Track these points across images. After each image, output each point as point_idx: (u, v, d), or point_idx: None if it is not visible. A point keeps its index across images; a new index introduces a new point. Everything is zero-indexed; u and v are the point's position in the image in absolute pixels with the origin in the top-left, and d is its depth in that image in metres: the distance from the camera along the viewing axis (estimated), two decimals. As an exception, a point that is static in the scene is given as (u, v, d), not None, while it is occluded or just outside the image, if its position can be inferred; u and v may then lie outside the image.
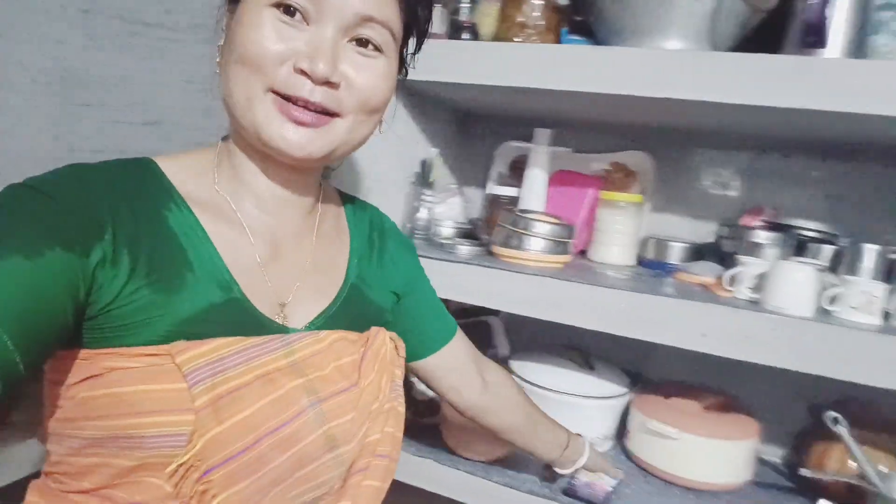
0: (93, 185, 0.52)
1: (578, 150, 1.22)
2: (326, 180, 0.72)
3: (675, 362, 1.23)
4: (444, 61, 0.92)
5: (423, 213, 1.03)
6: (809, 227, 0.99)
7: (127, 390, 0.49)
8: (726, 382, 1.11)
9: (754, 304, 0.85)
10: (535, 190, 1.12)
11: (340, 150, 0.60)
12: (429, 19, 0.65)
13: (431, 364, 0.79)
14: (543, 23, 0.90)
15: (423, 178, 1.00)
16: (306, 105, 0.55)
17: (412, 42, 0.66)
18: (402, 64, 0.66)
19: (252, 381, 0.53)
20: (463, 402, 0.83)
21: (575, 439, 0.92)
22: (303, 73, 0.54)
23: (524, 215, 0.98)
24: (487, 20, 0.98)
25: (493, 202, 1.14)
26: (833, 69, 0.75)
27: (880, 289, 0.83)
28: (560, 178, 1.19)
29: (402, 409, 0.68)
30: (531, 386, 1.07)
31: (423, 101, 1.11)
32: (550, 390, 1.06)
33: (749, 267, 0.89)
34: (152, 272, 0.51)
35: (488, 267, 0.93)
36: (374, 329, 0.67)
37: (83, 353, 0.50)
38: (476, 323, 1.26)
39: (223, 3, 0.60)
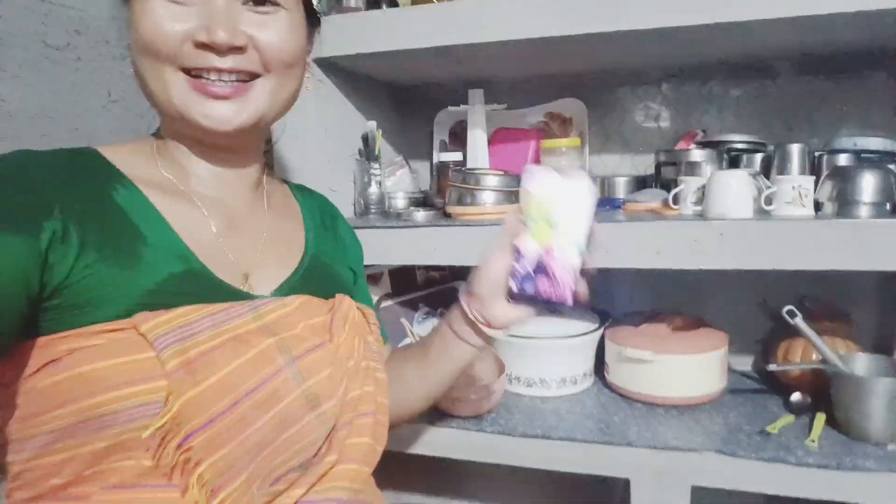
0: (36, 166, 0.51)
1: (512, 106, 1.25)
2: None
3: (638, 297, 1.28)
4: (363, 33, 0.93)
5: (374, 189, 1.04)
6: (740, 139, 1.04)
7: (91, 368, 0.47)
8: (690, 307, 1.16)
9: (700, 217, 0.90)
10: (478, 150, 1.15)
11: (269, 114, 0.61)
12: None
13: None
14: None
15: (368, 153, 1.01)
16: (219, 76, 0.56)
17: None
18: (313, 13, 0.65)
19: (223, 344, 0.52)
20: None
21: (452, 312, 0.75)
22: (204, 45, 0.55)
23: (472, 172, 1.00)
24: (404, -11, 0.99)
25: (441, 170, 1.17)
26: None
27: (809, 182, 0.89)
28: (500, 136, 1.22)
29: (382, 375, 0.68)
30: (508, 338, 1.09)
31: (356, 78, 1.12)
32: (525, 337, 1.09)
33: (689, 184, 0.94)
34: (104, 247, 0.50)
35: (446, 226, 0.95)
36: (339, 296, 0.67)
37: (39, 340, 0.48)
38: (446, 290, 1.28)
39: (119, 5, 0.59)
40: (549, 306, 0.68)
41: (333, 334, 0.63)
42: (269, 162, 1.03)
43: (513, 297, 0.67)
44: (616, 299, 1.27)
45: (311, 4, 0.64)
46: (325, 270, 0.70)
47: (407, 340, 1.17)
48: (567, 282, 0.64)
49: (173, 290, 0.53)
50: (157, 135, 0.63)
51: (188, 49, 0.55)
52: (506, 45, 0.89)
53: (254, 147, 0.66)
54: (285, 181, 0.79)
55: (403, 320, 1.18)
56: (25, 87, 1.21)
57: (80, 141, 1.22)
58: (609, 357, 1.10)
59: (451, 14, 0.89)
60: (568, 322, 1.13)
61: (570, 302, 0.64)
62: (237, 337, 0.54)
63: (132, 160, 0.59)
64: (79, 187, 0.52)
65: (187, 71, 0.56)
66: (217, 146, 0.61)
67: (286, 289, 0.63)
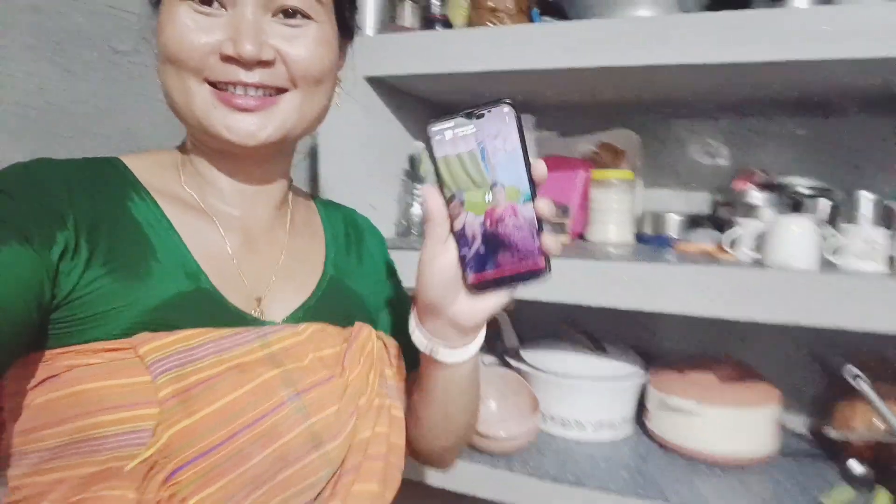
0: (51, 176, 0.50)
1: (564, 133, 1.22)
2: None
3: (684, 338, 1.22)
4: (416, 53, 0.92)
5: (416, 209, 1.02)
6: (803, 183, 0.98)
7: (87, 388, 0.45)
8: (738, 352, 1.09)
9: (757, 264, 0.85)
10: (525, 178, 1.12)
11: (295, 130, 0.58)
12: None
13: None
14: (513, 6, 0.90)
15: (414, 173, 1.00)
16: (245, 90, 0.54)
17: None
18: (346, 26, 0.62)
19: (224, 372, 0.49)
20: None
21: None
22: (230, 59, 0.53)
23: (517, 200, 0.97)
24: (459, 11, 0.98)
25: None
26: (799, 17, 0.75)
27: (882, 235, 0.82)
28: (549, 164, 1.17)
29: (398, 413, 0.62)
30: (545, 374, 1.06)
31: (407, 98, 1.11)
32: (565, 376, 1.05)
33: (747, 227, 0.89)
34: (111, 260, 0.49)
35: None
36: (358, 325, 0.63)
37: (45, 354, 0.47)
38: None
39: (149, 11, 0.58)
40: (523, 281, 0.53)
41: (346, 367, 0.58)
42: (314, 175, 1.02)
43: (476, 287, 0.54)
44: (658, 335, 1.21)
45: (345, 17, 0.61)
46: (345, 294, 0.65)
47: (439, 367, 1.14)
48: (529, 243, 0.52)
49: (179, 309, 0.51)
50: (182, 147, 0.62)
51: (214, 61, 0.53)
52: (556, 74, 0.87)
53: (279, 163, 0.63)
54: (313, 196, 0.75)
55: (437, 346, 1.15)
56: (87, 88, 1.25)
57: (132, 143, 1.25)
58: (650, 403, 1.04)
59: (502, 39, 0.87)
60: (610, 362, 1.08)
61: (542, 265, 0.52)
62: (240, 366, 0.51)
63: (154, 171, 0.58)
64: (95, 198, 0.51)
65: (212, 83, 0.54)
66: (241, 160, 0.59)
67: (300, 314, 0.60)
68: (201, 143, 0.58)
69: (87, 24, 1.27)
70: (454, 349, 0.57)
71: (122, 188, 0.54)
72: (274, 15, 0.54)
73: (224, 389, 0.49)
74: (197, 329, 0.50)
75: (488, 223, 0.52)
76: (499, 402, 1.08)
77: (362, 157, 1.00)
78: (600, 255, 0.93)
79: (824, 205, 0.94)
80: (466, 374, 0.61)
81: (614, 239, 1.09)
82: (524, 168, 0.51)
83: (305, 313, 0.60)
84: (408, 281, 0.86)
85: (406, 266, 0.86)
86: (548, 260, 0.53)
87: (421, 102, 1.19)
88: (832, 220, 0.91)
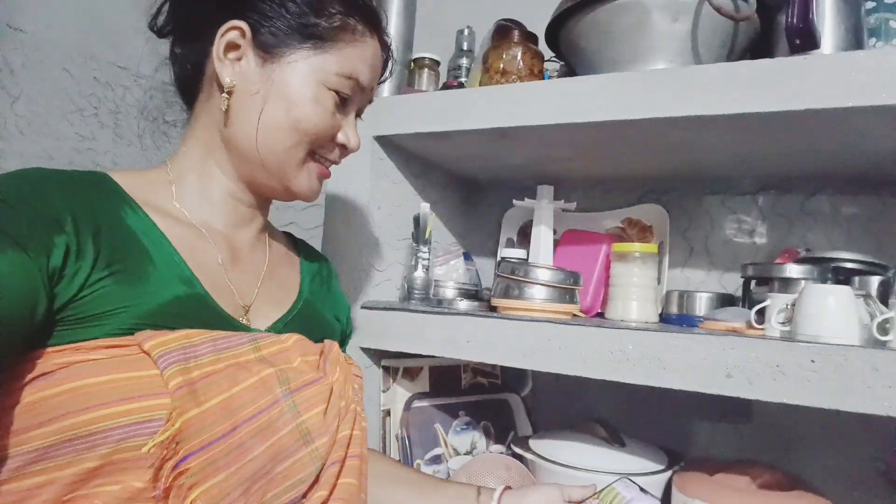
0: (46, 184, 0.52)
1: (589, 209, 1.16)
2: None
3: (717, 439, 1.06)
4: (422, 112, 0.91)
5: (419, 273, 0.98)
6: (849, 258, 0.86)
7: (88, 382, 0.46)
8: (783, 461, 0.93)
9: (787, 338, 0.73)
10: (541, 248, 1.06)
11: None
12: None
13: None
14: (524, 67, 0.90)
15: (418, 235, 0.97)
16: (331, 165, 0.70)
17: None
18: None
19: (225, 369, 0.53)
20: None
21: (487, 492, 0.75)
22: (343, 147, 0.69)
23: (522, 263, 0.92)
24: (475, 76, 0.99)
25: (500, 267, 1.09)
26: (826, 65, 0.69)
27: (942, 311, 0.69)
28: (570, 238, 1.12)
29: (365, 424, 0.68)
30: (552, 464, 0.93)
31: (420, 163, 1.10)
32: (576, 468, 0.92)
33: (777, 300, 0.78)
34: (114, 263, 0.51)
35: (482, 317, 0.85)
36: (328, 341, 0.70)
37: (36, 353, 0.47)
38: (493, 401, 1.15)
39: (223, 29, 0.62)
40: None
41: (327, 373, 0.64)
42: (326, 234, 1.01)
43: None
44: (691, 437, 1.06)
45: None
46: (316, 317, 0.73)
47: (438, 450, 1.04)
48: None
49: (176, 312, 0.54)
50: (176, 167, 0.66)
51: (330, 144, 0.68)
52: (564, 129, 0.83)
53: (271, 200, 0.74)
54: (288, 234, 0.84)
55: (438, 426, 1.05)
56: (138, 154, 1.34)
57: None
58: (672, 508, 0.89)
59: (503, 95, 0.85)
60: (628, 457, 0.94)
61: None
62: (238, 364, 0.55)
63: (143, 187, 0.61)
64: (92, 205, 0.53)
65: (313, 153, 0.67)
66: (265, 195, 0.70)
67: (280, 327, 0.66)
68: (239, 177, 0.67)
69: (145, 98, 1.39)
70: None
71: (114, 199, 0.57)
72: (357, 116, 0.71)
73: (226, 384, 0.53)
74: (196, 329, 0.54)
75: None
76: (498, 493, 0.95)
77: (369, 217, 0.99)
78: (610, 323, 0.84)
79: (874, 282, 0.82)
80: None
81: (636, 317, 0.99)
82: None
83: (285, 326, 0.67)
84: (398, 345, 0.82)
85: (397, 328, 0.81)
86: None
87: (440, 171, 1.18)
88: (883, 299, 0.79)
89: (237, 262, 0.66)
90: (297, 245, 0.82)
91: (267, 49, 0.62)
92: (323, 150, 0.67)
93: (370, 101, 0.73)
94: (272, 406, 0.55)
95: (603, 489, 0.80)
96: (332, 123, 0.65)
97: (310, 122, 0.63)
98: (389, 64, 0.75)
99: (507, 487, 0.75)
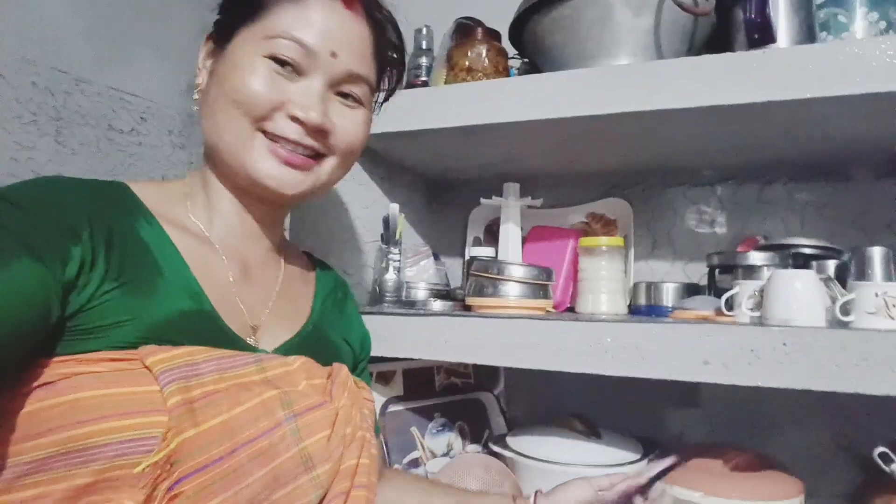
0: (65, 193, 0.52)
1: (554, 204, 1.17)
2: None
3: (690, 425, 1.09)
4: (390, 113, 0.90)
5: (391, 275, 0.96)
6: (807, 244, 0.90)
7: (88, 395, 0.45)
8: (753, 443, 0.96)
9: (758, 323, 0.76)
10: (510, 245, 1.06)
11: (319, 190, 0.66)
12: (397, 78, 0.73)
13: None
14: (490, 65, 0.90)
15: (388, 237, 0.95)
16: (295, 147, 0.61)
17: (380, 95, 0.73)
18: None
19: (227, 389, 0.51)
20: None
21: (522, 500, 0.77)
22: (296, 119, 0.59)
23: (494, 260, 0.92)
24: (440, 74, 0.98)
25: (472, 266, 1.08)
26: (783, 58, 0.72)
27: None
28: (537, 234, 1.13)
29: (375, 451, 0.65)
30: (531, 461, 0.93)
31: (387, 164, 1.09)
32: (554, 463, 0.92)
33: (746, 287, 0.80)
34: (123, 274, 0.51)
35: (459, 317, 0.85)
36: (336, 364, 0.67)
37: (40, 362, 0.46)
38: (467, 401, 1.14)
39: (204, 48, 0.64)
40: None
41: (334, 397, 0.62)
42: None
43: None
44: (664, 425, 1.08)
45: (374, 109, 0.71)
46: (325, 342, 0.70)
47: (416, 454, 1.03)
48: None
49: (182, 327, 0.53)
50: (192, 180, 0.66)
51: (278, 117, 0.59)
52: (532, 126, 0.83)
53: (283, 211, 0.71)
54: (308, 253, 0.81)
55: (414, 429, 1.04)
56: (83, 163, 1.27)
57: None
58: (653, 494, 0.90)
59: (471, 93, 0.85)
60: (606, 449, 0.96)
61: None
62: (241, 384, 0.53)
63: (160, 198, 0.60)
64: (107, 215, 0.53)
65: (265, 133, 0.60)
66: (260, 199, 0.64)
67: (286, 349, 0.64)
68: (227, 180, 0.63)
69: (88, 104, 1.32)
70: None
71: (130, 210, 0.56)
72: (336, 93, 0.63)
73: (226, 405, 0.51)
74: (200, 347, 0.53)
75: None
76: (480, 493, 0.94)
77: (335, 220, 0.96)
78: (584, 317, 0.85)
79: (830, 265, 0.86)
80: None
81: (606, 309, 1.01)
82: None
83: (290, 349, 0.64)
84: (375, 348, 0.82)
85: (373, 332, 0.79)
86: None
87: (406, 172, 1.17)
88: (841, 282, 0.82)
89: (249, 277, 0.64)
90: (314, 264, 0.79)
91: (221, 41, 0.63)
92: (269, 122, 0.59)
93: (351, 73, 0.62)
94: (273, 430, 0.53)
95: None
96: (271, 91, 0.58)
97: (239, 92, 0.58)
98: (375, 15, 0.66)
99: (539, 491, 0.76)
